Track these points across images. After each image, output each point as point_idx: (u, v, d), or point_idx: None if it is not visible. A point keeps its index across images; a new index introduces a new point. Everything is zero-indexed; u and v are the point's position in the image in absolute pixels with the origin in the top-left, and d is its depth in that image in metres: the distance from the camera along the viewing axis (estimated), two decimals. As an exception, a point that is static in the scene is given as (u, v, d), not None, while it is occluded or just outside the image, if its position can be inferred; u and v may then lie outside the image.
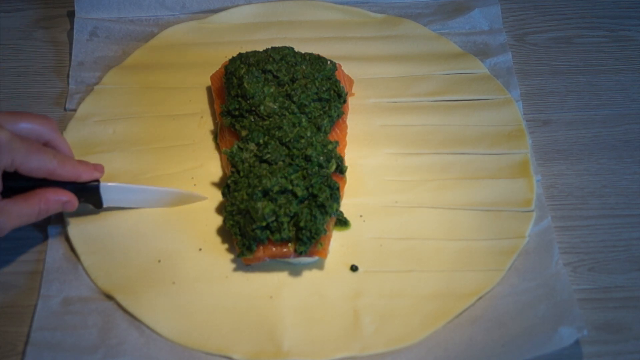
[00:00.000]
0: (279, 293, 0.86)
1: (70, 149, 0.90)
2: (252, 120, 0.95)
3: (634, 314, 0.85)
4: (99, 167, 0.89)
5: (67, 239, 0.90)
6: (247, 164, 0.91)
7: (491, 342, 0.82)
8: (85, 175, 0.88)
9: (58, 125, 1.01)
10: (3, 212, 0.82)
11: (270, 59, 1.00)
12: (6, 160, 0.81)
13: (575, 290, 0.86)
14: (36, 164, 0.83)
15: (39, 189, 0.85)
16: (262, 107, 0.95)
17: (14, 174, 0.83)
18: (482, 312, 0.84)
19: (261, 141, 0.93)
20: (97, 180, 0.89)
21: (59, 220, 0.92)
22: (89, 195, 0.89)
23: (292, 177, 0.89)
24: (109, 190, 0.90)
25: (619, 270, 0.89)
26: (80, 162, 0.89)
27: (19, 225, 0.84)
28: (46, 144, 0.87)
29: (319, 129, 0.95)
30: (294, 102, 0.96)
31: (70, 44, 1.12)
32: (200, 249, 0.89)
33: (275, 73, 0.98)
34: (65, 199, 0.86)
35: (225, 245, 0.90)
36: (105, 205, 0.90)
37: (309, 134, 0.93)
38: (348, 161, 0.96)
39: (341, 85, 0.99)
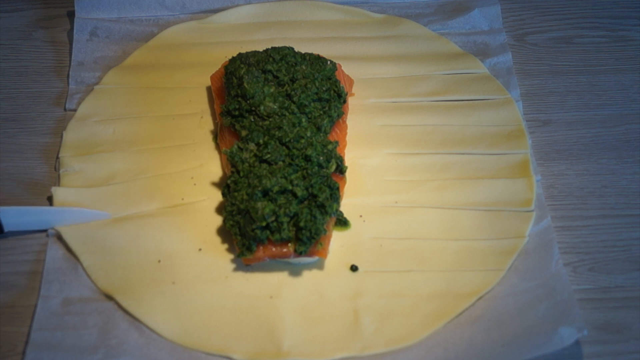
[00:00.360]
0: (279, 293, 0.86)
1: None
2: (252, 120, 0.95)
3: (634, 314, 0.85)
4: None
5: (67, 240, 0.90)
6: (247, 164, 0.91)
7: (491, 342, 0.82)
8: None
9: (58, 125, 1.02)
10: None
11: (270, 59, 1.00)
12: None
13: (575, 290, 0.86)
14: None
15: None
16: (262, 107, 0.95)
17: None
18: (482, 312, 0.84)
19: (261, 141, 0.93)
20: None
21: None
22: None
23: (292, 177, 0.89)
24: (8, 214, 0.89)
25: (619, 270, 0.89)
26: None
27: None
28: None
29: (319, 129, 0.95)
30: (294, 102, 0.96)
31: (70, 44, 1.12)
32: (200, 249, 0.89)
33: (275, 73, 0.98)
34: None
35: (225, 245, 0.90)
36: (6, 229, 0.89)
37: (309, 134, 0.93)
38: (348, 161, 0.96)
39: (341, 85, 0.99)
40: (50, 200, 0.94)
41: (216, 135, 1.00)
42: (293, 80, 0.98)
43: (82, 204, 0.92)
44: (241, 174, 0.90)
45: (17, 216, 0.90)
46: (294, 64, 1.00)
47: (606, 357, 0.82)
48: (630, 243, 0.91)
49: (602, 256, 0.90)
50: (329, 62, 1.01)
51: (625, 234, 0.92)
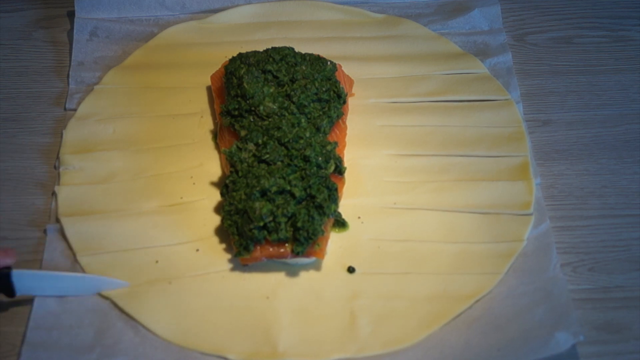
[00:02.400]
0: (276, 293, 0.86)
1: None
2: (252, 120, 0.95)
3: (634, 314, 0.85)
4: (10, 253, 0.83)
5: (65, 239, 0.90)
6: (245, 164, 0.91)
7: (487, 345, 0.81)
8: None
9: (58, 124, 1.02)
10: None
11: (270, 59, 1.00)
12: None
13: (575, 290, 0.86)
14: None
15: None
16: (261, 107, 0.95)
17: None
18: (479, 315, 0.84)
19: (260, 141, 0.93)
20: (9, 267, 0.83)
21: (57, 219, 0.91)
22: None
23: (291, 177, 0.89)
24: (22, 277, 0.83)
25: (619, 270, 0.89)
26: None
27: None
28: None
29: (318, 129, 0.95)
30: (293, 103, 0.96)
31: (70, 44, 1.12)
32: (197, 249, 0.89)
33: (275, 73, 0.98)
34: None
35: (223, 245, 0.90)
36: (19, 294, 0.83)
37: (308, 135, 0.93)
38: (347, 162, 0.96)
39: (341, 85, 0.99)
40: (54, 197, 0.94)
41: (216, 135, 1.00)
42: (293, 81, 0.98)
43: (83, 203, 0.93)
44: (240, 173, 0.90)
45: (31, 280, 0.83)
46: (294, 64, 1.00)
47: (606, 357, 0.82)
48: (630, 243, 0.91)
49: (602, 256, 0.90)
50: (329, 63, 1.01)
51: (625, 234, 0.92)
